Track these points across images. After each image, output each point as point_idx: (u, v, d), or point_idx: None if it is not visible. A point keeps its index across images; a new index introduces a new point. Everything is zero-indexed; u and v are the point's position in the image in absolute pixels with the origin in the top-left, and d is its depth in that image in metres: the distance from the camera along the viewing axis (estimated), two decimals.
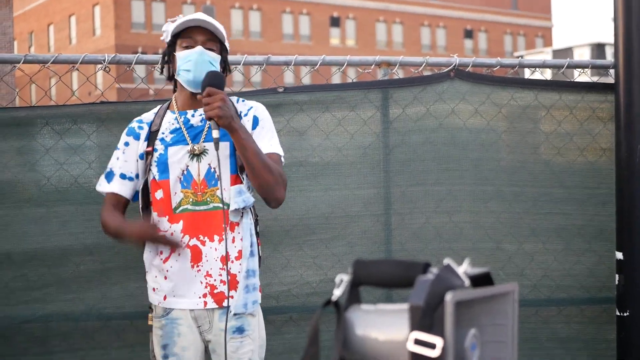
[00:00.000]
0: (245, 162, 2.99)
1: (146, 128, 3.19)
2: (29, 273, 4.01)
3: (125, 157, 3.21)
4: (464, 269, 1.45)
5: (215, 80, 2.97)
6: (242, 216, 3.11)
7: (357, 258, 1.54)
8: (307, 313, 4.27)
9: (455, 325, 1.34)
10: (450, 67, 4.43)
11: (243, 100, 3.24)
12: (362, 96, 4.34)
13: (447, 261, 1.45)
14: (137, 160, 3.19)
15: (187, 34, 3.09)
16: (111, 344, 4.12)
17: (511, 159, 4.54)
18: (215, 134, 2.94)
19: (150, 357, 3.23)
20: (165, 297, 3.10)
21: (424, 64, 4.48)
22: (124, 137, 3.24)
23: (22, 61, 4.01)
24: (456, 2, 59.97)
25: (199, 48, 3.06)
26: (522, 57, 49.37)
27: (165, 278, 3.09)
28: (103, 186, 3.25)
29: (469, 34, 60.44)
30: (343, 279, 1.51)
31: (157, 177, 3.10)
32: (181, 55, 3.08)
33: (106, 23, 48.72)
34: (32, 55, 4.02)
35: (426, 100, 4.40)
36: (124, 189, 3.20)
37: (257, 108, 3.21)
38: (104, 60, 4.04)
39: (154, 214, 3.12)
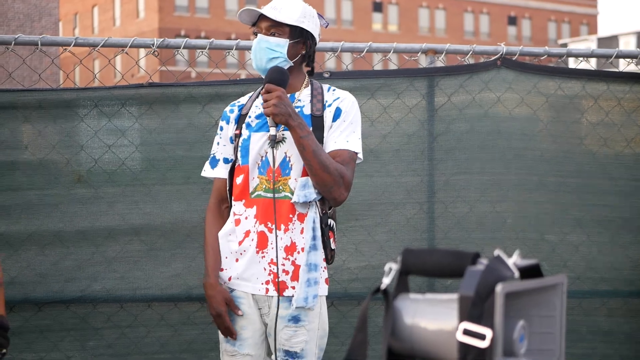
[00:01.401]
0: (304, 161, 2.98)
1: (236, 111, 3.20)
2: (77, 252, 4.09)
3: (224, 142, 3.21)
4: (513, 260, 1.45)
5: (275, 75, 2.97)
6: (308, 209, 3.08)
7: (406, 247, 1.55)
8: (348, 299, 4.28)
9: (504, 316, 1.35)
10: (497, 56, 4.41)
11: (334, 90, 3.19)
12: (408, 83, 4.33)
13: (497, 252, 1.45)
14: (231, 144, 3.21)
15: (257, 23, 3.10)
16: (155, 324, 4.18)
17: (556, 149, 4.51)
18: (272, 131, 2.94)
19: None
20: (230, 278, 3.11)
21: (471, 52, 4.46)
22: (220, 122, 3.26)
23: (72, 44, 4.07)
24: None
25: (259, 36, 3.08)
26: (566, 44, 48.79)
27: (237, 260, 3.10)
28: (208, 172, 3.25)
29: (512, 21, 59.77)
30: (392, 268, 1.52)
31: (240, 162, 3.11)
32: (252, 46, 3.13)
33: (150, 5, 48.95)
34: (83, 39, 4.08)
35: (472, 88, 4.38)
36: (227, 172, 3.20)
37: (344, 100, 3.15)
38: (153, 45, 4.08)
39: (232, 198, 3.13)
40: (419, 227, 4.34)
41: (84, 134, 4.12)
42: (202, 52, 4.25)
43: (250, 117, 3.14)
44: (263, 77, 3.07)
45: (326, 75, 4.23)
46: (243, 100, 3.25)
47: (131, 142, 4.14)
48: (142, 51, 4.37)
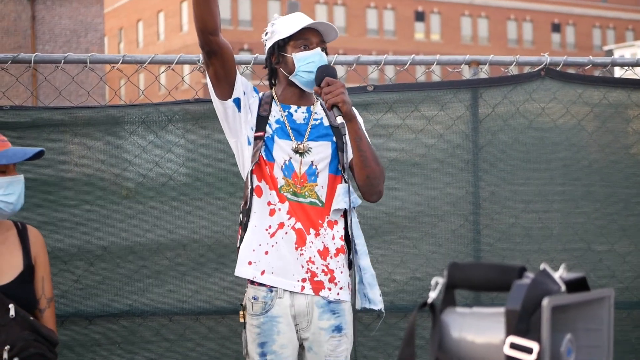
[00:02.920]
0: (358, 152, 3.05)
1: (257, 103, 3.19)
2: (125, 266, 4.15)
3: (245, 83, 3.18)
4: (560, 274, 1.46)
5: (331, 71, 3.06)
6: (344, 215, 3.15)
7: (453, 261, 1.56)
8: (395, 311, 4.28)
9: (551, 330, 1.36)
10: (541, 66, 4.40)
11: None
12: (452, 95, 4.34)
13: (543, 266, 1.46)
14: (244, 102, 3.16)
15: (301, 35, 3.13)
16: (203, 338, 4.22)
17: (602, 159, 4.48)
18: (340, 119, 2.98)
19: (244, 354, 3.23)
20: (263, 273, 3.09)
21: (514, 63, 4.45)
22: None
23: (120, 61, 4.14)
24: None
25: (318, 50, 3.13)
26: (611, 51, 48.21)
27: (267, 253, 3.09)
28: None
29: (556, 28, 59.20)
30: (438, 282, 1.53)
31: (265, 157, 3.13)
32: (301, 56, 3.12)
33: (193, 19, 49.30)
34: (130, 56, 4.15)
35: (516, 99, 4.37)
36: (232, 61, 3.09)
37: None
38: (199, 60, 4.13)
39: (265, 187, 3.11)
40: (464, 239, 4.34)
41: (132, 149, 4.18)
42: (246, 67, 4.30)
43: (270, 119, 3.17)
44: (309, 89, 3.13)
45: (370, 88, 4.25)
46: (259, 95, 3.24)
47: (178, 158, 4.19)
48: (187, 65, 4.43)
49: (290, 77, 3.15)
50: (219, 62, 3.06)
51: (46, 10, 24.34)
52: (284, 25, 3.17)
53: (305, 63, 3.11)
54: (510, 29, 57.88)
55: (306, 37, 3.14)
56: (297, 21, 3.16)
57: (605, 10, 61.40)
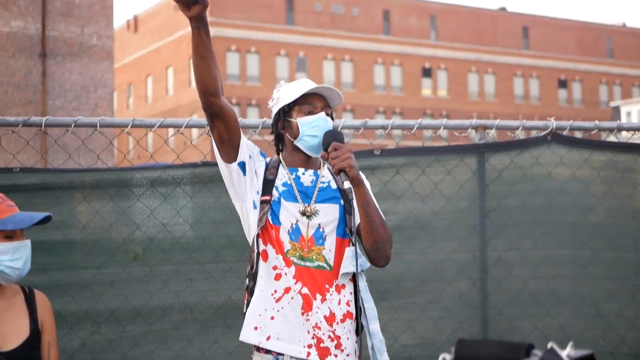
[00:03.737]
0: (366, 217, 3.04)
1: (264, 167, 3.22)
2: (132, 330, 4.14)
3: (251, 147, 3.20)
4: (567, 352, 1.46)
5: (338, 136, 3.07)
6: (353, 279, 3.12)
7: (460, 338, 1.56)
8: None
9: None
10: (547, 131, 4.42)
11: None
12: (459, 159, 4.35)
13: (550, 344, 1.46)
14: (250, 165, 3.17)
15: (306, 100, 3.17)
16: None
17: (610, 224, 4.48)
18: (347, 184, 2.99)
19: None
20: (268, 338, 3.06)
21: (521, 128, 4.48)
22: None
23: (130, 125, 4.18)
24: (549, 52, 59.20)
25: (322, 114, 3.15)
26: (618, 107, 48.37)
27: (272, 318, 3.06)
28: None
29: (562, 84, 59.52)
30: (446, 358, 1.53)
31: (271, 221, 3.12)
32: (305, 121, 3.15)
33: (195, 82, 49.65)
34: (140, 120, 4.19)
35: (523, 163, 4.39)
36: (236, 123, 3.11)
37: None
38: (207, 124, 4.16)
39: (272, 251, 3.10)
40: (472, 304, 4.32)
41: (140, 212, 4.20)
42: (255, 131, 4.33)
43: (277, 183, 3.17)
44: (313, 154, 3.15)
45: (377, 152, 4.27)
46: (266, 160, 3.26)
47: (185, 221, 4.21)
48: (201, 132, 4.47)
49: (295, 142, 3.18)
50: (222, 125, 3.09)
51: (57, 66, 24.59)
52: (288, 91, 3.21)
53: (310, 127, 3.14)
54: (516, 85, 58.26)
55: (310, 102, 3.17)
56: (301, 86, 3.19)
57: (611, 66, 61.83)
